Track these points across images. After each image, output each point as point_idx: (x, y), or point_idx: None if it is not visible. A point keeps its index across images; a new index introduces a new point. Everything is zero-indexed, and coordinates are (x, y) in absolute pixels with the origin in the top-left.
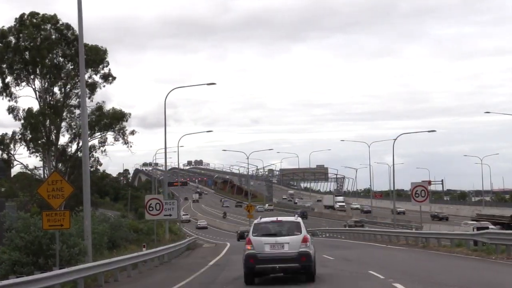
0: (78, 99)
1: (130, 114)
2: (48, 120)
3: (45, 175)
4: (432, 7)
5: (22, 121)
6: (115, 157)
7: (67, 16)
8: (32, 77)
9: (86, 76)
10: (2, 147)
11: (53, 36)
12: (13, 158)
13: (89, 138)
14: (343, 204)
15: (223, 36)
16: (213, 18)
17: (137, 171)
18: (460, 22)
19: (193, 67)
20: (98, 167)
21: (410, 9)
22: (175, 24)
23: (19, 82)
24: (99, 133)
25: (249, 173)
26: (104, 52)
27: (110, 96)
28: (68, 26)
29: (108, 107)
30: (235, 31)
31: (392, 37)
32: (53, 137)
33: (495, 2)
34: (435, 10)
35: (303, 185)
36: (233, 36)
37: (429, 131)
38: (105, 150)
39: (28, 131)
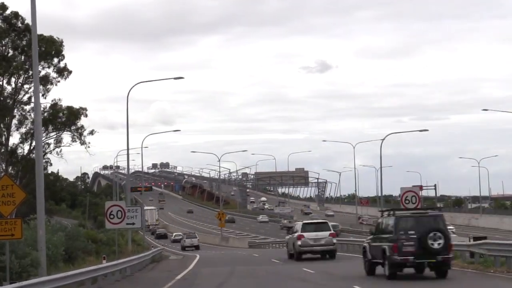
0: (28, 95)
1: (86, 109)
2: None
3: None
4: None
5: None
6: (72, 160)
7: (16, 6)
8: None
9: (39, 69)
10: None
11: (2, 25)
12: None
13: (43, 138)
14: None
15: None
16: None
17: (96, 175)
18: None
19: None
20: (53, 170)
21: None
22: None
23: None
24: (54, 133)
25: (221, 177)
26: (60, 44)
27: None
28: (16, 15)
29: (64, 104)
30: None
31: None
32: (4, 136)
33: None
34: None
35: (280, 190)
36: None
37: (420, 131)
38: (61, 151)
39: None
